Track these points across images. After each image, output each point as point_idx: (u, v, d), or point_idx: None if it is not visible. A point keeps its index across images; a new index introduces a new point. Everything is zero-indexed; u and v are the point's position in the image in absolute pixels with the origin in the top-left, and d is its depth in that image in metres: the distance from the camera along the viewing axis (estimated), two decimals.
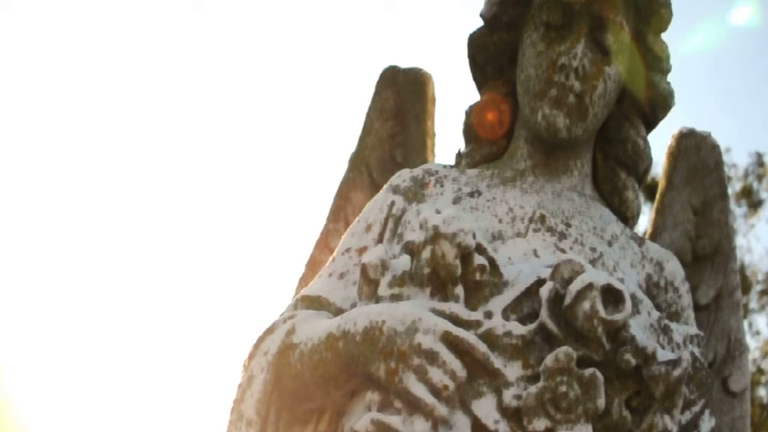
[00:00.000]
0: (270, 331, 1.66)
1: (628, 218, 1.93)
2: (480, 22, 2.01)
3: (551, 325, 1.44)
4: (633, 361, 1.43)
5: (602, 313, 1.42)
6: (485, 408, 1.41)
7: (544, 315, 1.45)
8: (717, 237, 2.08)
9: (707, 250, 2.07)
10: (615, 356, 1.43)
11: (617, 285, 1.45)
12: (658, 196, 2.11)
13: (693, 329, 1.72)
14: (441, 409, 1.40)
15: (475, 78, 2.04)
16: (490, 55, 1.97)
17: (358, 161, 2.34)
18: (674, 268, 1.81)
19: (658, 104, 1.93)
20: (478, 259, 1.51)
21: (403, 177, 1.90)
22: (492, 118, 2.01)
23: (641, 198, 1.98)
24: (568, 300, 1.44)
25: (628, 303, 1.44)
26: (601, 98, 1.83)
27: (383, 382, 1.45)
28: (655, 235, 2.06)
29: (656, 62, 1.92)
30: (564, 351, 1.41)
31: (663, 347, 1.59)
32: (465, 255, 1.50)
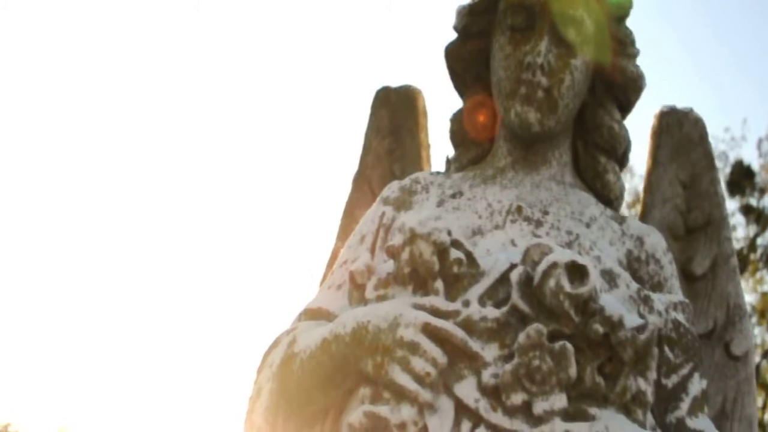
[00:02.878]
0: (275, 344, 1.78)
1: (611, 200, 2.00)
2: (454, 35, 2.13)
3: (522, 305, 1.53)
4: (601, 330, 1.50)
5: (567, 288, 1.50)
6: (466, 389, 1.50)
7: (515, 297, 1.54)
8: (708, 208, 2.13)
9: (699, 222, 2.12)
10: (585, 327, 1.51)
11: (581, 261, 1.53)
12: (645, 175, 2.18)
13: (676, 297, 1.78)
14: (425, 395, 1.50)
15: (456, 87, 2.15)
16: (467, 64, 2.08)
17: (360, 180, 2.46)
18: (655, 241, 1.88)
19: (629, 87, 2.01)
20: (455, 254, 1.61)
21: (392, 188, 2.01)
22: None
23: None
24: (536, 280, 1.53)
25: (593, 276, 1.52)
26: (569, 90, 1.92)
27: (372, 377, 1.55)
28: (645, 213, 2.13)
29: (622, 48, 2.00)
30: (534, 328, 1.50)
31: (644, 316, 1.66)
32: (441, 251, 1.60)
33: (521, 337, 1.50)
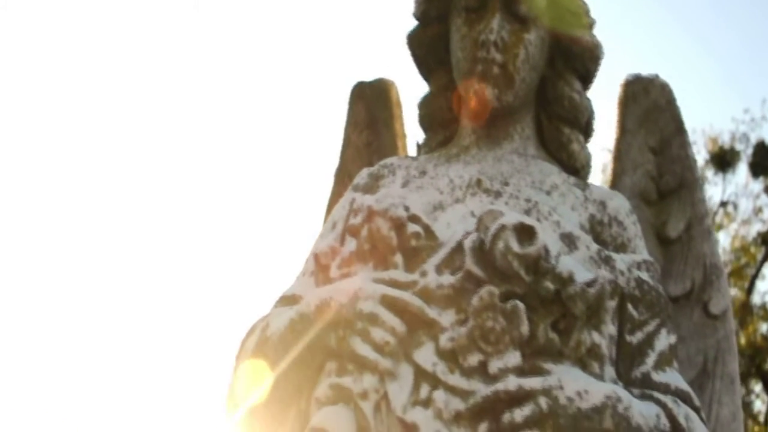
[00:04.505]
0: (251, 331, 1.82)
1: (578, 169, 2.02)
2: (414, 22, 2.17)
3: (476, 270, 1.56)
4: (552, 287, 1.52)
5: (516, 248, 1.53)
6: (424, 354, 1.54)
7: (468, 262, 1.57)
8: (679, 171, 2.14)
9: (671, 185, 2.13)
10: (537, 286, 1.53)
11: (529, 222, 1.56)
12: (613, 144, 2.19)
13: (640, 256, 1.80)
14: (384, 363, 1.53)
15: (421, 73, 2.19)
16: (428, 49, 2.12)
17: (341, 174, 2.50)
18: (617, 204, 1.90)
19: (586, 57, 2.03)
20: (412, 228, 1.64)
21: (362, 175, 2.05)
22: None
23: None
24: (487, 244, 1.56)
25: (540, 236, 1.54)
26: (524, 63, 1.95)
27: (336, 350, 1.59)
28: (616, 181, 2.14)
29: (576, 19, 2.03)
30: (486, 290, 1.53)
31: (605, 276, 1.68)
32: (398, 226, 1.64)
33: (474, 300, 1.52)
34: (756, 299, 10.49)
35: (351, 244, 1.71)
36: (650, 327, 1.71)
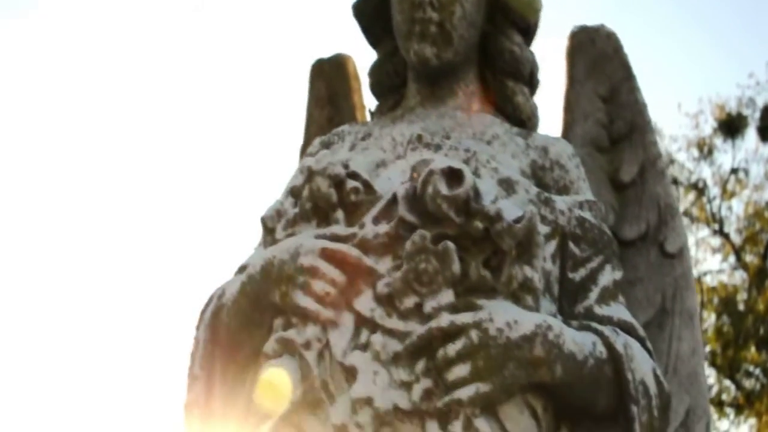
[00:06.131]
0: (209, 301, 1.86)
1: (524, 121, 2.04)
2: None
3: (409, 216, 1.59)
4: (480, 225, 1.55)
5: (444, 191, 1.56)
6: (363, 302, 1.57)
7: (401, 210, 1.60)
8: (630, 116, 2.16)
9: (623, 131, 2.15)
10: (467, 226, 1.55)
11: (457, 165, 1.58)
12: (563, 95, 2.21)
13: (582, 197, 1.82)
14: (325, 313, 1.57)
15: (369, 41, 2.23)
16: (373, 17, 2.16)
17: (306, 150, 2.53)
18: (559, 149, 1.92)
19: (524, 11, 2.05)
20: (351, 184, 1.68)
21: (314, 144, 2.09)
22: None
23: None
24: (418, 190, 1.59)
25: (468, 178, 1.57)
26: (461, 20, 1.97)
27: (281, 306, 1.63)
28: (567, 131, 2.15)
29: None
30: (418, 234, 1.55)
31: (545, 217, 1.71)
32: (337, 183, 1.68)
33: (407, 245, 1.55)
34: None
35: (296, 206, 1.74)
36: (593, 263, 1.73)
